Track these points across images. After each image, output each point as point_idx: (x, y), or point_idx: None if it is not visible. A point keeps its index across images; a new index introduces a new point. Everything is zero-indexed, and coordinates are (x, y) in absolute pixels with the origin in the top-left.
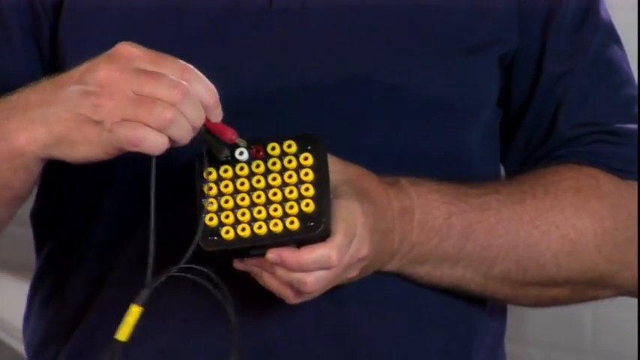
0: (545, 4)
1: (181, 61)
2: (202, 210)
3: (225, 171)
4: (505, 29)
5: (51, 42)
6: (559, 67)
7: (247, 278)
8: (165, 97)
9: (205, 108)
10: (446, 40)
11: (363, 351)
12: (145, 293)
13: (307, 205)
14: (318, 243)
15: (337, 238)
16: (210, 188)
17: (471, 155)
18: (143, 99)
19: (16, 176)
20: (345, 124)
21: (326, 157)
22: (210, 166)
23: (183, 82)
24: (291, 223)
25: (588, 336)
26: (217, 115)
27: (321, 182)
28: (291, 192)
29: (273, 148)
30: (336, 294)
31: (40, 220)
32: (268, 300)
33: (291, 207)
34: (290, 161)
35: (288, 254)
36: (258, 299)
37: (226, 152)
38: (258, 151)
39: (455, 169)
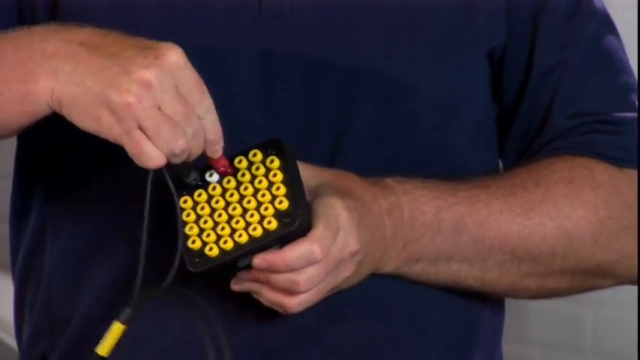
0: None
1: (208, 96)
2: (183, 238)
3: (200, 195)
4: (493, 25)
5: None
6: (551, 58)
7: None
8: (186, 129)
9: (208, 142)
10: (434, 38)
11: (363, 353)
12: (127, 312)
13: (280, 202)
14: (299, 239)
15: (317, 231)
16: (189, 215)
17: (462, 151)
18: (167, 118)
19: (19, 122)
20: (336, 125)
21: (292, 156)
22: (184, 194)
23: (201, 121)
24: (269, 223)
25: (588, 336)
26: (216, 151)
27: (292, 180)
28: (263, 195)
29: (240, 161)
30: (335, 297)
31: (19, 214)
32: (267, 307)
33: (266, 209)
34: (258, 168)
35: (272, 256)
36: (257, 306)
37: (194, 175)
38: (225, 167)
39: (446, 166)
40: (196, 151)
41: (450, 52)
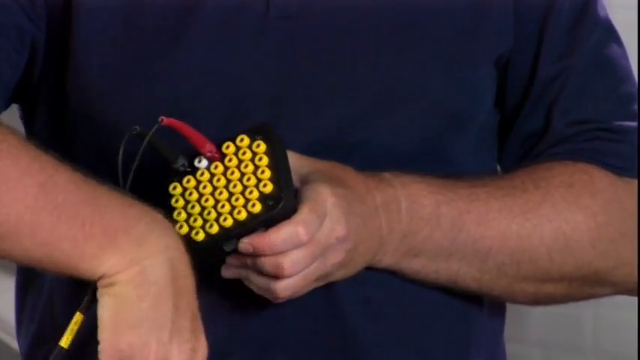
0: (542, 4)
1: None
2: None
3: (188, 181)
4: (501, 31)
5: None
6: (555, 66)
7: (242, 284)
8: None
9: None
10: (443, 44)
11: (362, 353)
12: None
13: (265, 185)
14: (284, 222)
15: (302, 214)
16: (177, 200)
17: (466, 156)
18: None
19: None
20: (342, 127)
21: (279, 141)
22: (173, 180)
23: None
24: (253, 206)
25: (588, 336)
26: None
27: (277, 164)
28: (249, 179)
29: (227, 147)
30: (334, 296)
31: None
32: (264, 304)
33: (251, 192)
34: (244, 153)
35: (256, 239)
36: (254, 304)
37: (182, 161)
38: (212, 152)
39: (449, 170)
40: None
41: (460, 59)
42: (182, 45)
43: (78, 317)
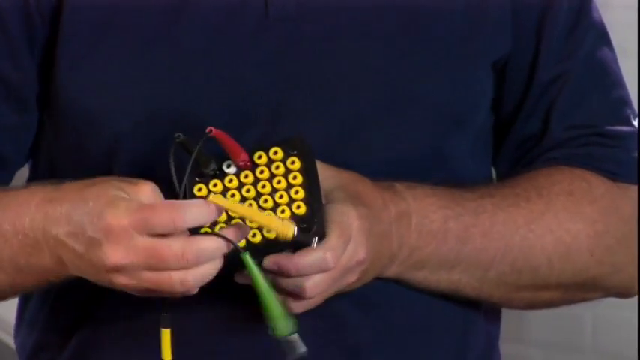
0: (539, 7)
1: (168, 211)
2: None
3: (215, 185)
4: (499, 34)
5: (44, 50)
6: (552, 69)
7: (244, 285)
8: (176, 267)
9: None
10: (442, 46)
11: (360, 355)
12: (164, 317)
13: (298, 207)
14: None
15: (332, 240)
16: None
17: (463, 158)
18: (160, 277)
19: (35, 287)
20: (343, 130)
21: (313, 159)
22: (199, 182)
23: (187, 247)
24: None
25: (588, 336)
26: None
27: (311, 185)
28: (281, 197)
29: (259, 157)
30: (335, 299)
31: None
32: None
33: (283, 211)
34: (277, 167)
35: (284, 259)
36: (256, 306)
37: (213, 166)
38: (245, 162)
39: (447, 172)
40: (211, 272)
41: (459, 61)
42: (179, 46)
43: (165, 333)
